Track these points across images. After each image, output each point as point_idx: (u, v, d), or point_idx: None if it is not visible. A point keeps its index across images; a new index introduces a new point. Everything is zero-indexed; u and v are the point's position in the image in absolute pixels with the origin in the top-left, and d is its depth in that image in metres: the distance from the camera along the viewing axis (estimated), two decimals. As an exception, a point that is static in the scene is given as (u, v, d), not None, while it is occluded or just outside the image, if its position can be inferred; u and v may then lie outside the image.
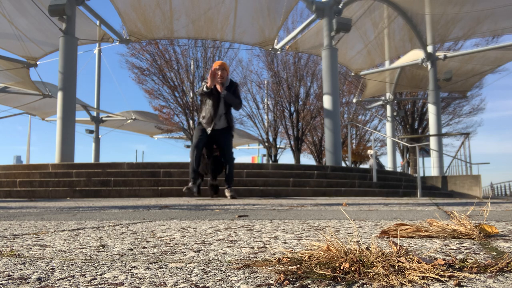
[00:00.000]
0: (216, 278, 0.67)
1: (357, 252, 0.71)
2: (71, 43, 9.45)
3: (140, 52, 18.75)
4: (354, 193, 7.42)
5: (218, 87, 5.53)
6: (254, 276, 0.68)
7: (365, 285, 0.60)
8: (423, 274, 0.62)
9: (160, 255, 0.91)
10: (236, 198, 5.54)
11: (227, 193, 5.65)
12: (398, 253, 0.70)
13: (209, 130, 5.59)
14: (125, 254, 0.92)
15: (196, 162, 5.51)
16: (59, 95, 9.34)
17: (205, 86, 5.50)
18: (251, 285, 0.62)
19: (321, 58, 11.15)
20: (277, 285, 0.61)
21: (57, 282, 0.66)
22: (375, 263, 0.66)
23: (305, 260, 0.71)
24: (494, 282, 0.61)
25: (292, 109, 21.54)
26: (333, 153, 10.16)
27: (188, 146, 26.52)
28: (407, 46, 15.05)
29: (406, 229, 1.17)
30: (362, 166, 24.48)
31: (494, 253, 0.88)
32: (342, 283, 0.61)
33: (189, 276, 0.69)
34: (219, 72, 5.60)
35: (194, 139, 5.67)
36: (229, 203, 3.92)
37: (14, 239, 1.24)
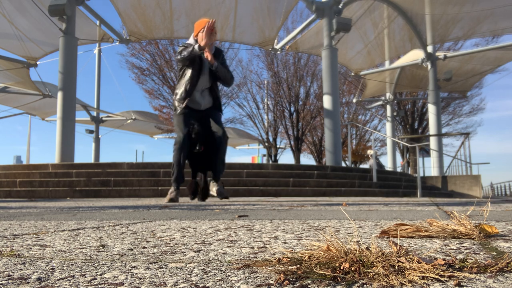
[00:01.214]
0: (216, 278, 0.67)
1: (357, 252, 0.71)
2: (71, 43, 9.46)
3: (140, 52, 18.78)
4: (354, 193, 7.42)
5: (208, 56, 4.17)
6: (254, 276, 0.68)
7: (365, 285, 0.60)
8: (423, 274, 0.62)
9: (160, 255, 0.91)
10: (227, 197, 4.39)
11: (214, 188, 4.33)
12: (398, 253, 0.70)
13: (180, 108, 4.31)
14: (125, 254, 0.92)
15: (183, 164, 4.31)
16: (59, 95, 9.34)
17: (195, 46, 4.07)
18: (251, 285, 0.62)
19: (321, 58, 11.15)
20: (277, 285, 0.61)
21: (57, 282, 0.65)
22: (375, 263, 0.66)
23: (305, 260, 0.71)
24: (494, 282, 0.61)
25: (292, 109, 21.57)
26: (333, 153, 10.16)
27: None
28: (407, 46, 15.05)
29: (406, 229, 1.17)
30: (362, 166, 24.49)
31: (494, 253, 0.88)
32: (342, 283, 0.61)
33: (189, 276, 0.69)
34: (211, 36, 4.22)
35: (179, 133, 4.33)
36: (229, 203, 3.92)
37: (14, 239, 1.24)
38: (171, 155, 4.27)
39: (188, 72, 4.32)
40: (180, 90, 4.39)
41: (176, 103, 4.41)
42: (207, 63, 4.31)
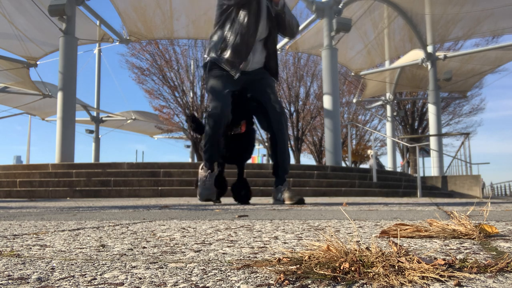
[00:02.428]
0: (216, 278, 0.67)
1: (357, 252, 0.71)
2: (71, 43, 9.46)
3: (140, 52, 18.76)
4: (354, 193, 7.41)
5: None
6: (254, 276, 0.68)
7: (365, 285, 0.60)
8: (423, 274, 0.62)
9: (160, 255, 0.91)
10: (303, 201, 3.34)
11: (286, 194, 3.25)
12: (398, 253, 0.70)
13: (237, 73, 3.07)
14: (125, 254, 0.92)
15: (219, 139, 3.18)
16: (59, 95, 9.34)
17: None
18: (251, 285, 0.62)
19: (321, 58, 11.15)
20: (277, 285, 0.61)
21: (57, 282, 0.65)
22: (375, 263, 0.66)
23: (305, 260, 0.71)
24: (494, 282, 0.61)
25: (292, 109, 21.55)
26: (333, 153, 10.16)
27: (188, 146, 26.34)
28: (407, 46, 15.05)
29: (406, 229, 1.17)
30: (362, 166, 24.49)
31: (494, 253, 0.88)
32: (342, 283, 0.61)
33: (189, 276, 0.69)
34: None
35: (214, 101, 3.10)
36: (229, 203, 3.91)
37: (14, 239, 1.24)
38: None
39: (241, 16, 3.03)
40: (228, 38, 3.07)
41: (226, 64, 3.09)
42: (265, 4, 3.14)
